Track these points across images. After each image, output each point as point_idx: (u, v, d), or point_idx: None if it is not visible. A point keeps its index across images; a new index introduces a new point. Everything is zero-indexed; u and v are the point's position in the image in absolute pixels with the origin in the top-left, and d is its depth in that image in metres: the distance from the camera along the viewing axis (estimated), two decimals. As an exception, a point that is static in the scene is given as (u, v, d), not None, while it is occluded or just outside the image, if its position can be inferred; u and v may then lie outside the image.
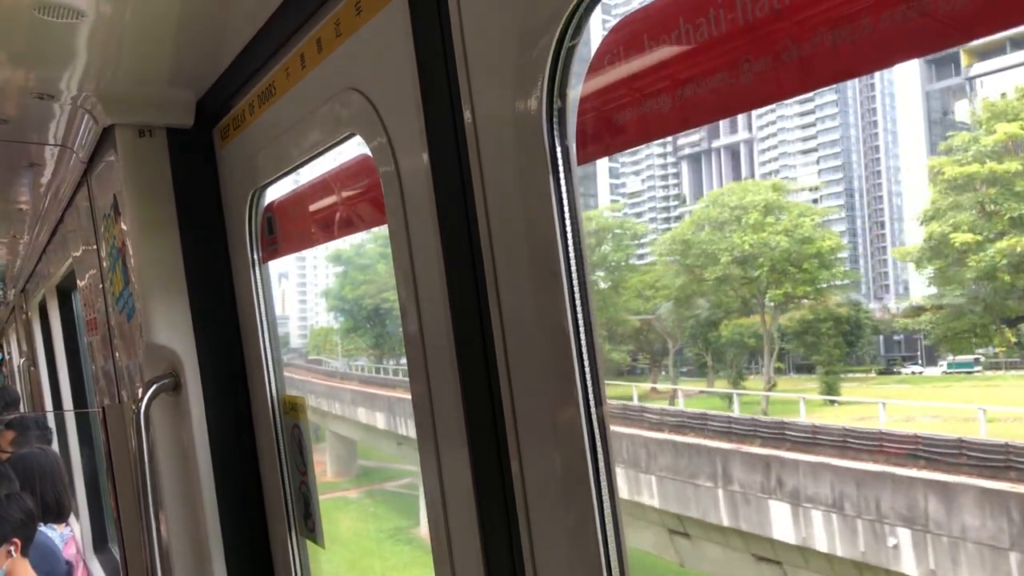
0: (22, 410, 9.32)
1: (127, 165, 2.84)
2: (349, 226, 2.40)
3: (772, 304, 37.03)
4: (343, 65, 2.03)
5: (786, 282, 36.09)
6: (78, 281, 4.56)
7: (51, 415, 7.40)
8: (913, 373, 32.92)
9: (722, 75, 1.16)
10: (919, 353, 34.23)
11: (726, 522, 21.38)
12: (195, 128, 2.93)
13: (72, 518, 6.09)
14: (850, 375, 34.26)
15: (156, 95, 2.82)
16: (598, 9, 1.35)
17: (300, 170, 2.48)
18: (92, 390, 5.69)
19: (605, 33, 1.36)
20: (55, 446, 6.68)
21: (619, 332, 43.47)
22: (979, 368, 29.78)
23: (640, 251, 47.12)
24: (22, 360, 9.27)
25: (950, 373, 30.71)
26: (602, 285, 44.17)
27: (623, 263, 45.77)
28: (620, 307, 44.03)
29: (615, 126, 1.38)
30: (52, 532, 5.35)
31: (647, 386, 38.51)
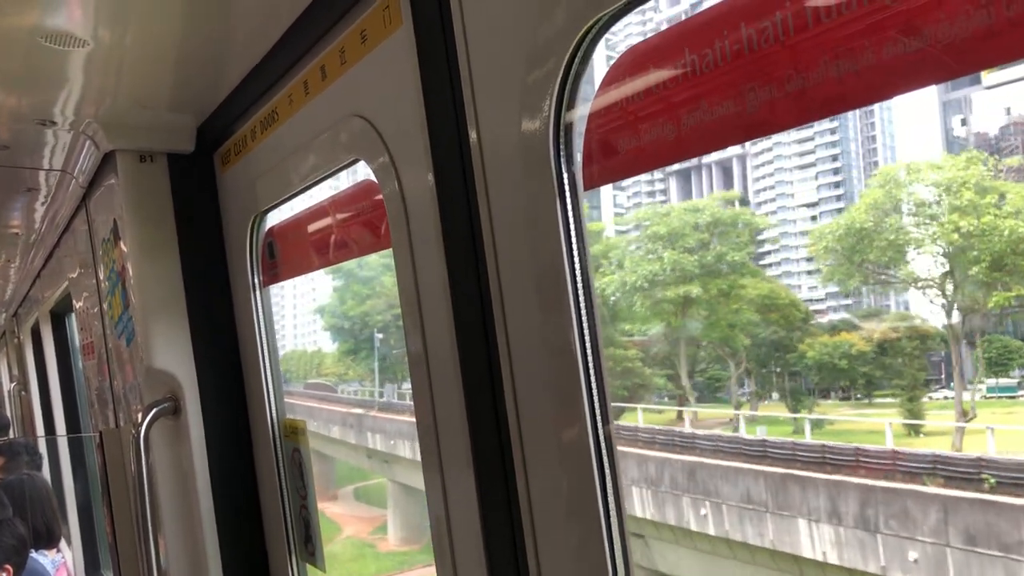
0: (12, 435, 9.25)
1: (128, 190, 2.86)
2: (351, 251, 2.41)
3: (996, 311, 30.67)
4: (347, 92, 2.05)
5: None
6: (75, 304, 4.56)
7: (43, 440, 7.35)
8: None
9: (728, 104, 1.18)
10: None
11: None
12: (196, 153, 2.94)
13: (64, 544, 6.04)
14: None
15: (157, 120, 2.84)
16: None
17: (301, 195, 2.50)
18: (86, 414, 5.66)
19: (611, 57, 1.39)
20: (46, 471, 6.63)
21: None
22: None
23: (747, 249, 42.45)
24: (13, 385, 9.21)
25: None
26: (693, 292, 40.04)
27: (739, 267, 41.08)
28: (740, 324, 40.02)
29: (620, 151, 1.40)
30: (43, 558, 5.31)
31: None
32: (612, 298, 42.58)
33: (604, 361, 1.50)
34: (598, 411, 1.49)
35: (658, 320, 42.68)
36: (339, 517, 45.80)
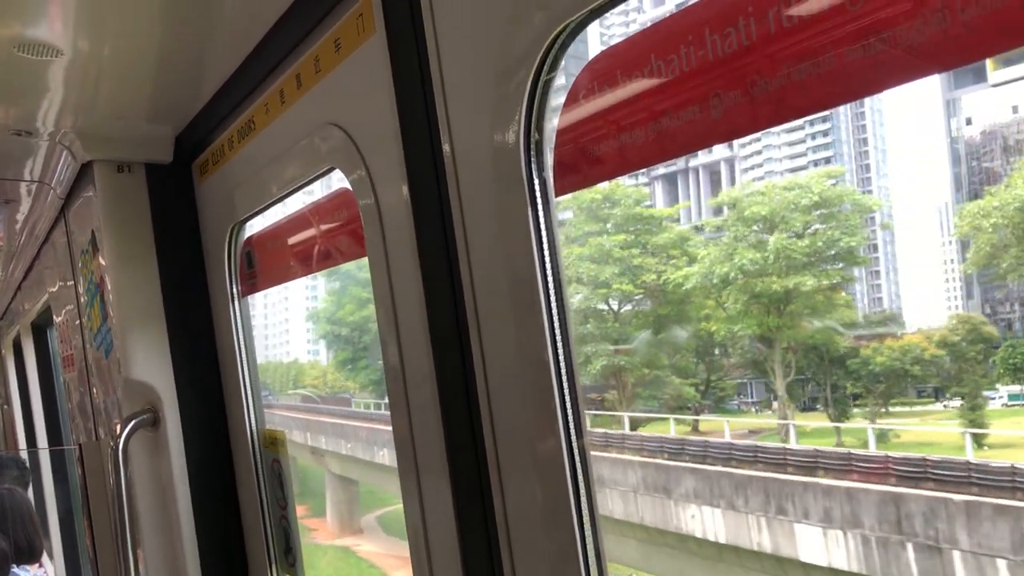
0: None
1: (105, 201, 2.84)
2: (328, 259, 2.41)
3: None
4: (323, 100, 2.06)
5: None
6: (55, 317, 4.53)
7: (24, 453, 7.28)
8: None
9: (694, 109, 1.19)
10: None
11: None
12: (174, 163, 2.94)
13: (45, 558, 5.99)
14: None
15: (135, 131, 2.83)
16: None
17: (279, 204, 2.50)
18: (68, 428, 5.62)
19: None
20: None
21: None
22: None
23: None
24: (-6, 398, 9.13)
25: None
26: (806, 284, 34.48)
27: (851, 255, 34.97)
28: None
29: (591, 158, 1.41)
30: (25, 574, 5.26)
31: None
32: (683, 291, 38.72)
33: (578, 372, 1.51)
34: (572, 422, 1.49)
35: (752, 318, 36.91)
36: (377, 559, 37.58)
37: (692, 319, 39.74)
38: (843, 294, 37.14)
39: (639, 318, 41.95)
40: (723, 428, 33.03)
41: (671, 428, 34.14)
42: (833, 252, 35.32)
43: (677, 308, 40.06)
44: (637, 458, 26.73)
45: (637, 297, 41.63)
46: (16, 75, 2.33)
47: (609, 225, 42.08)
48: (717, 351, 40.37)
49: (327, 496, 42.54)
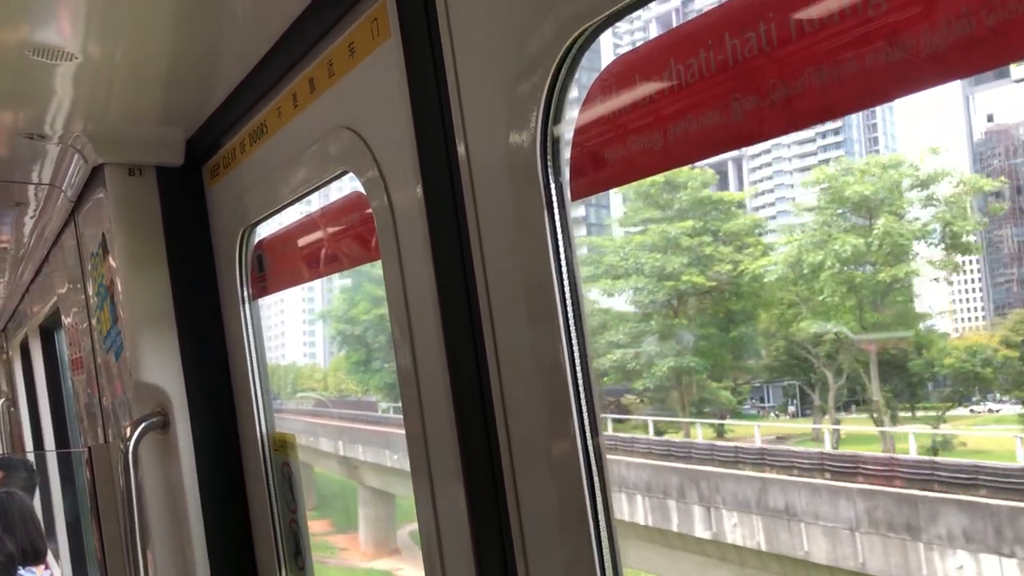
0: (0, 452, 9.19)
1: (117, 204, 2.85)
2: (340, 262, 2.41)
3: None
4: (336, 104, 2.06)
5: None
6: (63, 319, 4.54)
7: (32, 455, 7.30)
8: None
9: (713, 114, 1.19)
10: None
11: None
12: (185, 166, 2.94)
13: (52, 560, 5.99)
14: None
15: (146, 134, 2.84)
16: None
17: (290, 208, 2.50)
18: (75, 430, 5.63)
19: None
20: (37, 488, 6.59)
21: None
22: None
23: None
24: (1, 401, 9.15)
25: None
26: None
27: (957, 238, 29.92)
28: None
29: (607, 162, 1.41)
30: (31, 575, 5.27)
31: None
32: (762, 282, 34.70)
33: (593, 372, 1.50)
34: (587, 423, 1.49)
35: (847, 312, 32.27)
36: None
37: (773, 314, 35.66)
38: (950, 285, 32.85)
39: (707, 314, 37.46)
40: (815, 437, 29.88)
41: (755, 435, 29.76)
42: (942, 238, 30.77)
43: (752, 302, 36.48)
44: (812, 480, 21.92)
45: (703, 291, 37.08)
46: (28, 78, 2.34)
47: (670, 211, 37.96)
48: (804, 352, 34.97)
49: (360, 512, 39.35)
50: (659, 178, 37.38)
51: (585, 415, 1.48)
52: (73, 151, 2.94)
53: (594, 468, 1.49)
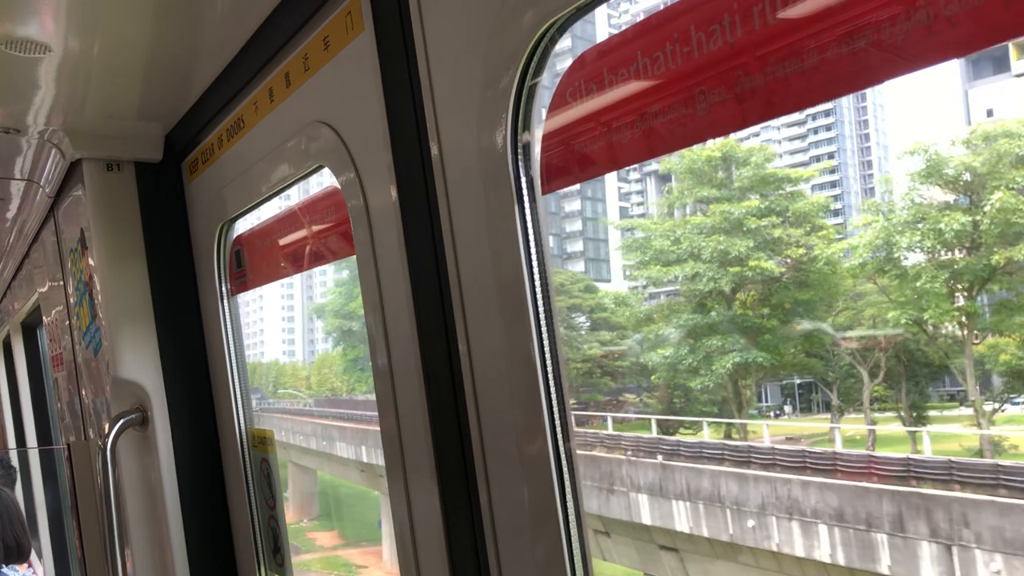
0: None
1: (95, 199, 2.83)
2: (318, 258, 2.41)
3: None
4: (312, 99, 2.05)
5: None
6: (44, 317, 4.51)
7: (14, 453, 7.25)
8: None
9: (679, 107, 1.19)
10: None
11: None
12: (163, 162, 2.93)
13: (35, 558, 5.96)
14: None
15: (124, 129, 2.82)
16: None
17: (268, 202, 2.49)
18: (58, 428, 5.60)
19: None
20: (19, 486, 6.55)
21: None
22: None
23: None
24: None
25: None
26: None
27: None
28: None
29: (578, 157, 1.41)
30: (15, 574, 5.24)
31: None
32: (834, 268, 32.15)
33: (565, 372, 1.50)
34: (558, 419, 1.49)
35: (942, 301, 28.43)
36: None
37: (850, 304, 32.75)
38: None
39: (773, 304, 33.89)
40: (908, 442, 27.08)
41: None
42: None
43: (821, 291, 33.20)
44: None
45: (763, 278, 33.72)
46: (5, 72, 2.32)
47: (728, 189, 34.76)
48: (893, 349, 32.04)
49: (383, 525, 37.79)
50: (715, 152, 34.68)
51: (556, 413, 1.49)
52: (51, 146, 2.93)
53: (564, 464, 1.49)
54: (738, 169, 35.21)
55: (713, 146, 34.62)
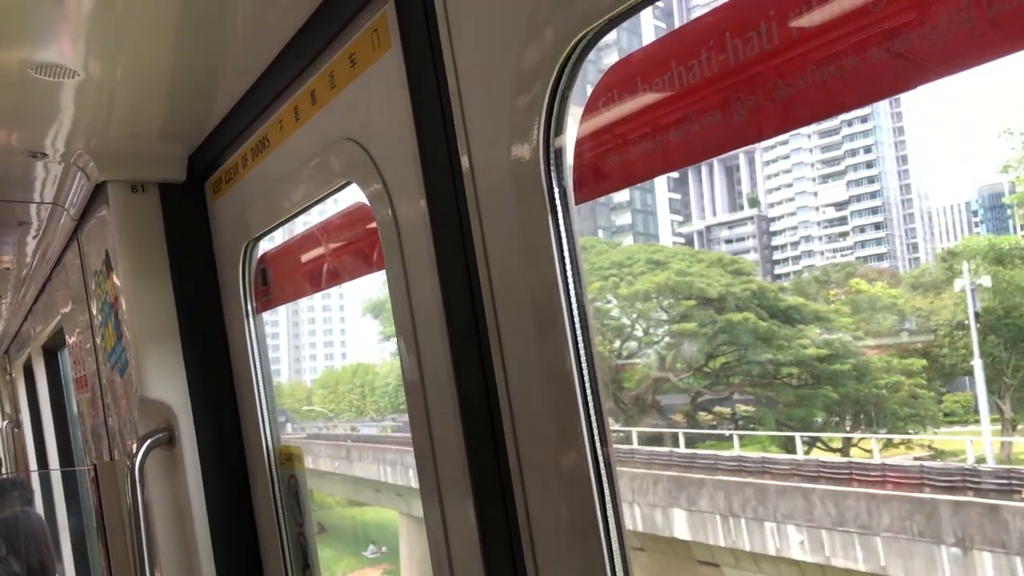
0: (3, 472, 9.17)
1: (120, 221, 2.86)
2: (344, 274, 2.41)
3: None
4: (338, 116, 2.06)
5: None
6: (67, 338, 4.54)
7: (36, 475, 7.28)
8: None
9: (715, 114, 1.19)
10: None
11: None
12: (187, 182, 2.95)
13: (59, 582, 5.97)
14: None
15: (148, 151, 2.84)
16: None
17: (293, 221, 2.50)
18: (80, 450, 5.62)
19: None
20: (39, 508, 6.57)
21: None
22: None
23: None
24: (5, 423, 9.13)
25: None
26: None
27: None
28: None
29: (611, 166, 1.41)
30: (38, 597, 5.25)
31: None
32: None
33: (601, 381, 1.49)
34: (596, 433, 1.47)
35: None
36: None
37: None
38: None
39: None
40: None
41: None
42: None
43: None
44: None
45: None
46: (29, 96, 2.35)
47: None
48: None
49: (402, 547, 36.81)
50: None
51: (595, 425, 1.47)
52: (76, 169, 2.95)
53: (604, 479, 1.47)
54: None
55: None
